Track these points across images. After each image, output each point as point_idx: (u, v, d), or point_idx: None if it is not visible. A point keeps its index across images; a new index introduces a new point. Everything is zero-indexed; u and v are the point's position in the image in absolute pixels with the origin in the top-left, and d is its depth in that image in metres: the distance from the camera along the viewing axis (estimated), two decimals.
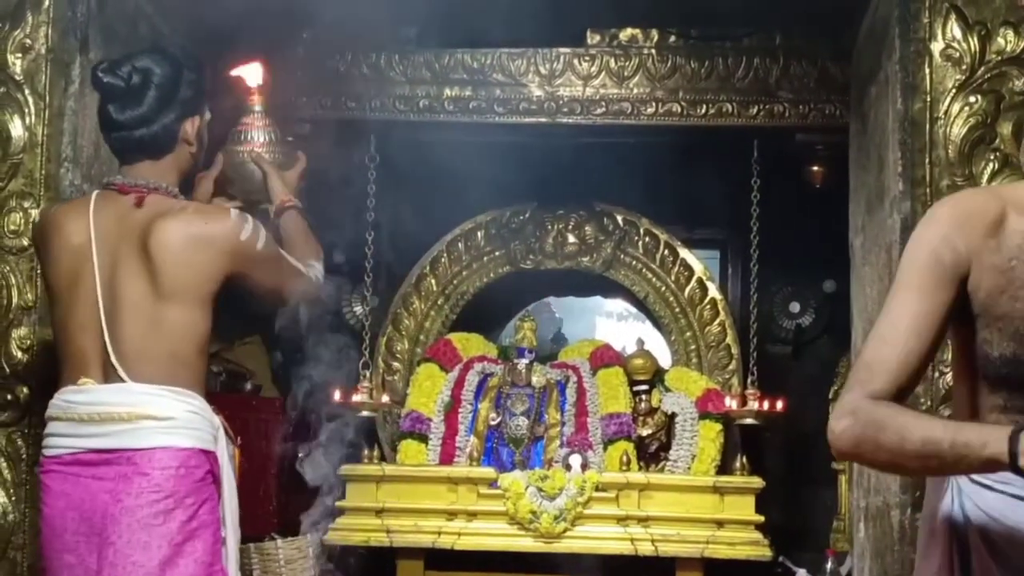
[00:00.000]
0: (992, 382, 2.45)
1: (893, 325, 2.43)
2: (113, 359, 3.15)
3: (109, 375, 3.17)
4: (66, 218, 3.30)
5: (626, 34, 5.82)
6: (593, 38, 5.83)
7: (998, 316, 2.41)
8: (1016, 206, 2.43)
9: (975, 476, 2.42)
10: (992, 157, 3.92)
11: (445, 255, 6.86)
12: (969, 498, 2.45)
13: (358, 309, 7.03)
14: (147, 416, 3.13)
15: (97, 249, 3.20)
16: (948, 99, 3.95)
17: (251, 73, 3.76)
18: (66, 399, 3.21)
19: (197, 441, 3.18)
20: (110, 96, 3.26)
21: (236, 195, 3.69)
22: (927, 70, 3.97)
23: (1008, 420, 2.37)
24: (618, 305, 9.01)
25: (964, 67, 3.95)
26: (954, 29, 3.97)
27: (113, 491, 3.11)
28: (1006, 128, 3.93)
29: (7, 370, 4.09)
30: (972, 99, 3.95)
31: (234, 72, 3.78)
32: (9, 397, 4.08)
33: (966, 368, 2.51)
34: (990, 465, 2.22)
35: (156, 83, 3.25)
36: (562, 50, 5.81)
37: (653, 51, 5.77)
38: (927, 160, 3.96)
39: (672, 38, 5.80)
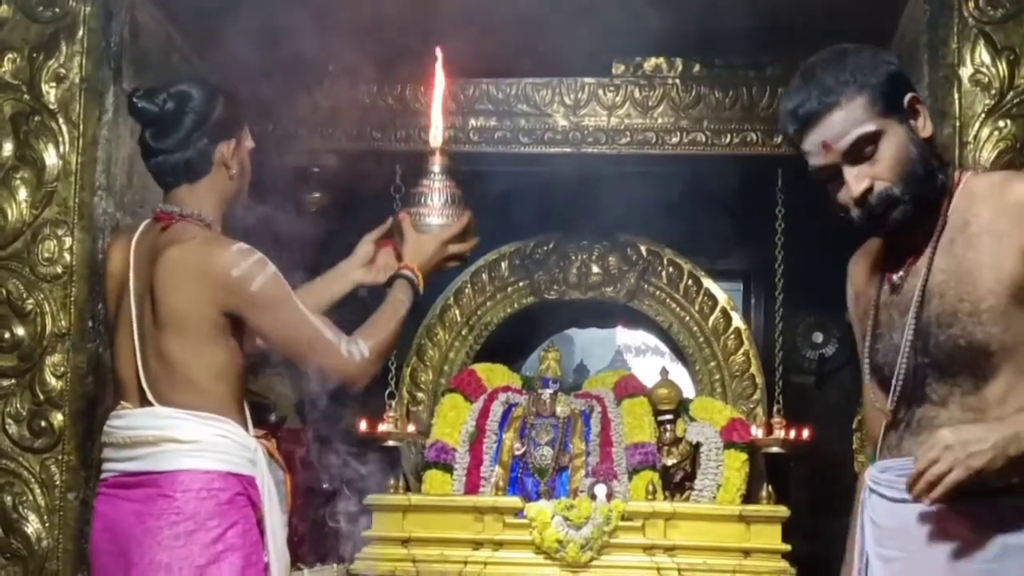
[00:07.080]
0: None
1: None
2: (144, 384, 3.19)
3: (143, 400, 3.21)
4: (115, 248, 3.37)
5: (650, 64, 5.82)
6: (618, 68, 5.84)
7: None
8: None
9: (870, 483, 2.78)
10: None
11: (469, 286, 6.87)
12: (865, 505, 2.82)
13: None
14: (171, 439, 3.16)
15: (133, 277, 3.23)
16: (977, 124, 3.96)
17: (433, 133, 3.58)
18: (110, 424, 3.27)
19: (223, 464, 3.19)
20: (146, 122, 3.29)
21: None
22: (956, 95, 3.99)
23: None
24: (637, 338, 9.01)
25: (993, 92, 3.97)
26: (983, 54, 3.99)
27: (138, 512, 3.14)
28: None
29: (41, 397, 4.12)
30: (1001, 124, 3.96)
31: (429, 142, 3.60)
32: (43, 424, 4.11)
33: None
34: None
35: (190, 107, 3.26)
36: (587, 80, 5.82)
37: (677, 81, 5.79)
38: None
39: (696, 67, 5.80)
